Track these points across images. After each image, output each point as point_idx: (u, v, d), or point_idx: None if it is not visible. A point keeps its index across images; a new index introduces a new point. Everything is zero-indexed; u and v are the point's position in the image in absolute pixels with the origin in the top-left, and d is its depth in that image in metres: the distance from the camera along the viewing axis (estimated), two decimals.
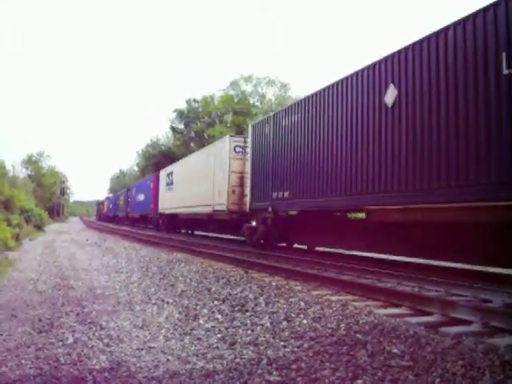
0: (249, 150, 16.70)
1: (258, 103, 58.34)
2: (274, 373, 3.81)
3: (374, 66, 10.00)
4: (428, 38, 8.47)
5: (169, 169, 30.37)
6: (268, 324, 5.34)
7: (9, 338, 4.79)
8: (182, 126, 62.78)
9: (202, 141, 55.27)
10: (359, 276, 8.90)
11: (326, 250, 14.55)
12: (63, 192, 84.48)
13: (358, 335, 4.62)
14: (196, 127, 59.29)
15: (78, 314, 5.95)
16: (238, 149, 18.18)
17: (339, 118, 11.20)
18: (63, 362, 4.07)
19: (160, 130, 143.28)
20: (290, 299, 6.45)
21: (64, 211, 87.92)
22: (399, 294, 6.67)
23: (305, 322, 5.31)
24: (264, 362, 4.07)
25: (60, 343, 4.63)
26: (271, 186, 14.70)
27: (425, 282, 7.88)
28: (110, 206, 63.46)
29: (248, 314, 5.89)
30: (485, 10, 7.37)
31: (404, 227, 9.94)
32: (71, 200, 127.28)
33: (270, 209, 14.74)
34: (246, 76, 58.50)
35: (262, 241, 15.67)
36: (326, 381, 3.60)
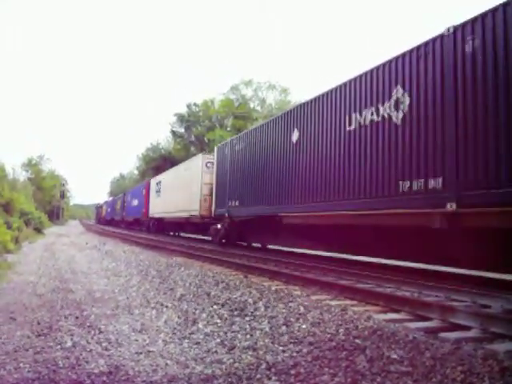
0: (214, 166, 20.78)
1: (258, 107, 58.44)
2: (273, 378, 3.81)
3: (285, 113, 14.50)
4: (316, 99, 12.64)
5: (158, 178, 34.53)
6: (267, 329, 5.33)
7: (7, 341, 4.78)
8: (182, 130, 62.86)
9: (203, 145, 55.33)
10: (358, 281, 8.89)
11: (330, 254, 14.56)
12: (63, 195, 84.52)
13: (357, 340, 4.61)
14: (196, 131, 59.37)
15: (76, 318, 5.95)
16: (208, 165, 22.03)
17: (266, 149, 15.49)
18: (62, 365, 4.06)
19: (160, 133, 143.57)
20: (290, 304, 6.44)
21: (64, 214, 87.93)
22: (398, 299, 6.66)
23: (304, 326, 5.30)
24: (263, 366, 4.07)
25: (59, 347, 4.63)
26: (228, 196, 18.60)
27: (424, 287, 7.87)
28: (108, 209, 66.36)
29: (247, 318, 5.88)
30: (344, 84, 11.41)
31: (306, 228, 13.55)
32: (71, 203, 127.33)
33: (226, 214, 18.64)
34: (247, 80, 58.64)
35: (223, 240, 19.32)
36: None
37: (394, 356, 4.11)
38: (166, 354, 4.50)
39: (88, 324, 5.63)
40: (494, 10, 7.60)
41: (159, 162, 63.22)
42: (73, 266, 12.26)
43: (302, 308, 6.14)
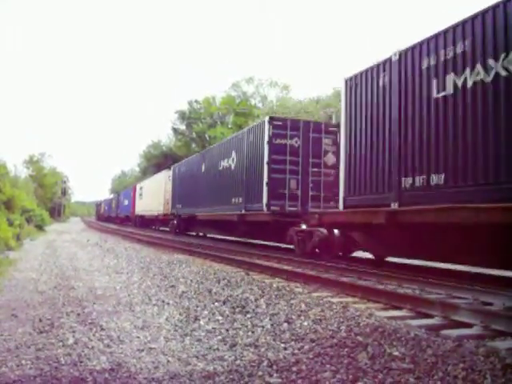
0: (171, 179, 31.21)
1: (259, 105, 58.38)
2: (275, 375, 3.80)
3: (201, 153, 25.23)
4: (211, 148, 24.37)
5: (140, 184, 45.06)
6: (269, 326, 5.33)
7: (9, 338, 4.78)
8: (183, 127, 62.83)
9: (204, 142, 55.32)
10: (360, 278, 8.90)
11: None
12: (64, 192, 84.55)
13: (359, 337, 4.62)
14: (197, 128, 59.32)
15: (78, 315, 5.95)
16: (170, 177, 31.81)
17: (191, 173, 25.54)
18: (63, 362, 4.06)
19: (162, 130, 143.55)
20: (291, 301, 6.45)
21: (65, 211, 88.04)
22: (400, 296, 6.67)
23: (305, 323, 5.31)
24: (264, 363, 4.07)
25: (60, 344, 4.62)
26: (177, 200, 28.70)
27: (426, 285, 7.86)
28: (106, 207, 74.30)
29: (249, 315, 5.88)
30: (220, 143, 23.59)
31: (206, 222, 24.05)
32: (72, 200, 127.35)
33: (176, 213, 28.58)
34: (248, 77, 58.61)
35: (177, 230, 28.46)
36: (327, 383, 3.60)
37: (396, 353, 4.11)
38: (168, 351, 4.50)
39: (90, 321, 5.62)
40: (252, 128, 18.01)
41: (160, 159, 63.34)
42: (74, 263, 12.26)
43: (303, 305, 6.14)
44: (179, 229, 28.40)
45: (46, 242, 21.67)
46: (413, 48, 9.46)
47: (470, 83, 8.01)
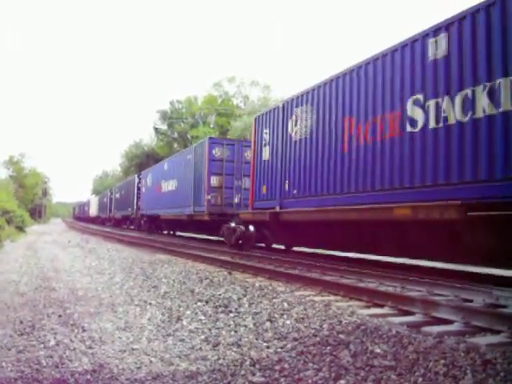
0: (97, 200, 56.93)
1: (241, 104, 58.32)
2: (258, 374, 3.81)
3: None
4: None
5: (92, 199, 70.31)
6: (251, 325, 5.34)
7: None
8: (165, 127, 62.51)
9: (186, 142, 55.09)
10: (342, 276, 8.93)
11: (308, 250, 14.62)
12: (45, 193, 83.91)
13: (341, 335, 4.64)
14: (179, 128, 59.07)
15: (59, 316, 5.89)
16: (97, 200, 62.35)
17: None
18: (45, 364, 4.02)
19: (144, 130, 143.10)
20: (274, 300, 6.46)
21: (46, 212, 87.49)
22: (382, 294, 6.71)
23: (288, 322, 5.32)
24: (247, 362, 4.07)
25: (42, 346, 4.58)
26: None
27: (407, 282, 7.93)
28: (78, 210, 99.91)
29: (231, 314, 5.88)
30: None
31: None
32: (54, 201, 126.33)
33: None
34: (230, 77, 58.50)
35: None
36: (309, 381, 3.61)
37: (378, 350, 4.14)
38: (150, 352, 4.48)
39: (71, 322, 5.58)
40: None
41: (142, 159, 63.00)
42: (55, 264, 12.15)
43: (285, 304, 6.16)
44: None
45: (26, 243, 21.43)
46: None
47: None
